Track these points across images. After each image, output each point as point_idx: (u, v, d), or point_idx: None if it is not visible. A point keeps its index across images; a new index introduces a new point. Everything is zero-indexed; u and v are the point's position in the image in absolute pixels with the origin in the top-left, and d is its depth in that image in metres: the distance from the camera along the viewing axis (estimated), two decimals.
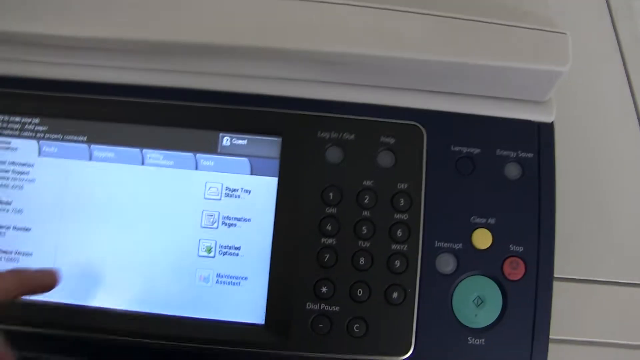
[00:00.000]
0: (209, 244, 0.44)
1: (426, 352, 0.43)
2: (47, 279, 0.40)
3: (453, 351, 0.43)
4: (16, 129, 0.46)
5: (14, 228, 0.45)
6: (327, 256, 0.43)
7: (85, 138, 0.46)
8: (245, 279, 0.44)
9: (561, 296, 0.45)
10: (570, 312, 0.46)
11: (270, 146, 0.45)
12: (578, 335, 0.46)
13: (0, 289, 0.36)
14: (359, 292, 0.43)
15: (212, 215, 0.44)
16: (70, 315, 0.44)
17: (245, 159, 0.45)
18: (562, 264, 0.46)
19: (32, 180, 0.45)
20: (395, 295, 0.43)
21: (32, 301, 0.44)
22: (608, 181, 0.49)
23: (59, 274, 0.41)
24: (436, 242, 0.44)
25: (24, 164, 0.45)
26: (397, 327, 0.43)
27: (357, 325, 0.43)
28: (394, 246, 0.44)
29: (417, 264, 0.44)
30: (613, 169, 0.50)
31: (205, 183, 0.45)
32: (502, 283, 0.44)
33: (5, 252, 0.45)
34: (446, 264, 0.44)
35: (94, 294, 0.44)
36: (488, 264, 0.44)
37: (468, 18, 0.42)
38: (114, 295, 0.44)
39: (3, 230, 0.45)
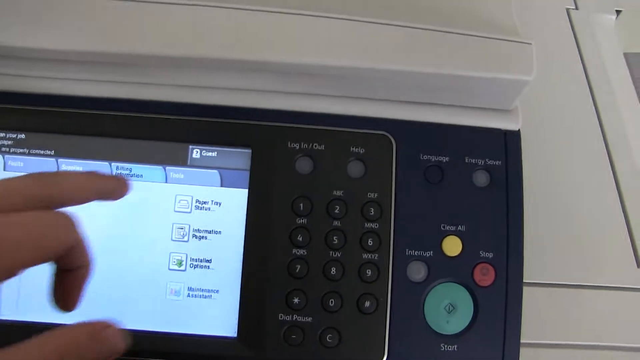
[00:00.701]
0: (179, 257, 0.44)
1: (399, 359, 0.43)
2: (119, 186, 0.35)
3: (426, 358, 0.44)
4: None
5: None
6: (299, 267, 0.43)
7: (52, 152, 0.45)
8: (217, 291, 0.44)
9: (531, 300, 0.46)
10: (540, 316, 0.47)
11: (240, 158, 0.45)
12: (548, 338, 0.47)
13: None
14: (331, 302, 0.43)
15: (182, 228, 0.44)
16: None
17: (215, 171, 0.45)
18: (531, 269, 0.46)
19: None
20: (367, 304, 0.43)
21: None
22: (573, 186, 0.50)
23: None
24: (407, 250, 0.44)
25: None
26: (370, 336, 0.44)
27: (330, 335, 0.43)
28: (365, 255, 0.44)
29: (388, 273, 0.44)
30: (577, 174, 0.51)
31: (175, 196, 0.45)
32: (472, 289, 0.44)
33: None
34: (417, 271, 0.44)
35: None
36: (459, 271, 0.44)
37: (435, 29, 0.43)
38: (82, 310, 0.43)
39: None
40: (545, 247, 0.48)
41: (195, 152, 0.45)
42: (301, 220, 0.44)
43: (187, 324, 0.44)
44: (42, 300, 0.43)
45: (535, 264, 0.47)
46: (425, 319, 0.44)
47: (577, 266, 0.49)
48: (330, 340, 0.43)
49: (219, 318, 0.44)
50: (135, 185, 0.43)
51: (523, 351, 0.45)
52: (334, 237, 0.44)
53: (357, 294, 0.44)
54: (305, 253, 0.44)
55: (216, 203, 0.45)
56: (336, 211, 0.44)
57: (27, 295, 0.44)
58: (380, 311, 0.44)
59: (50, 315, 0.43)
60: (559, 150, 0.51)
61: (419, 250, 0.45)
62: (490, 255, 0.45)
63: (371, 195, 0.45)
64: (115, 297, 0.44)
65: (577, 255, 0.49)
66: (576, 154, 0.51)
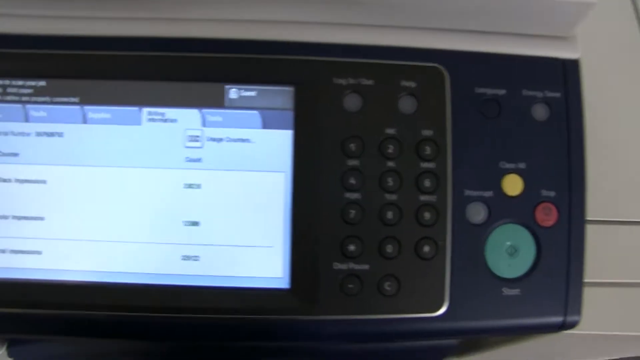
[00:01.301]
0: None
1: (460, 306, 0.41)
2: None
3: (488, 303, 0.41)
4: None
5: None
6: (353, 212, 0.40)
7: (77, 99, 0.41)
8: (265, 241, 0.41)
9: (593, 239, 0.43)
10: (602, 254, 0.44)
11: (282, 97, 0.41)
12: (611, 277, 0.44)
13: None
14: (389, 249, 0.40)
15: None
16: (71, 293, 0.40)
17: (255, 112, 0.41)
18: (593, 206, 0.44)
19: (17, 154, 0.41)
20: (426, 249, 0.41)
21: (29, 281, 0.40)
22: (636, 118, 0.47)
23: None
24: (465, 190, 0.41)
25: (6, 133, 0.41)
26: (430, 282, 0.41)
27: (389, 283, 0.40)
28: (422, 197, 0.41)
29: (447, 215, 0.41)
30: None
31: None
32: (534, 230, 0.42)
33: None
34: (477, 213, 0.41)
35: (91, 261, 0.41)
36: (520, 211, 0.42)
37: None
38: (124, 263, 0.40)
39: None
40: (607, 183, 0.45)
41: (233, 92, 0.42)
42: (353, 162, 0.41)
43: (233, 276, 0.41)
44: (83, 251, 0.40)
45: (597, 200, 0.44)
46: (486, 262, 0.42)
47: None
48: (388, 289, 0.41)
49: (268, 269, 0.41)
50: (169, 131, 0.39)
51: (586, 290, 0.42)
52: (389, 179, 0.41)
53: (416, 238, 0.41)
54: (359, 197, 0.40)
55: (259, 146, 0.41)
56: (389, 151, 0.41)
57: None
58: (439, 256, 0.41)
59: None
60: (620, 80, 0.47)
61: (478, 191, 0.42)
62: (552, 194, 0.42)
63: (426, 132, 0.41)
64: (150, 249, 0.40)
65: None
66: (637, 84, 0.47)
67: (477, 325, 0.42)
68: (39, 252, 0.41)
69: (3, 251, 0.41)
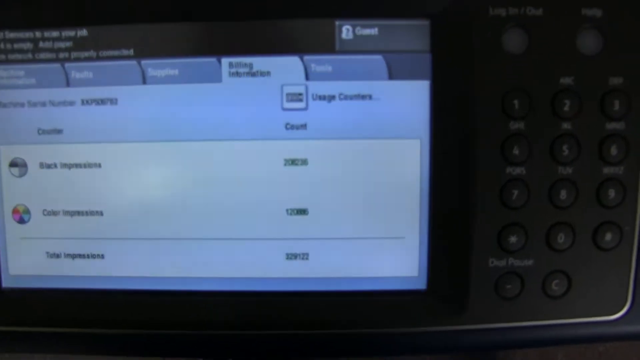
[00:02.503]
0: None
1: None
2: None
3: None
4: (27, 51, 0.30)
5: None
6: (515, 192, 0.30)
7: (131, 51, 0.30)
8: (396, 230, 0.31)
9: None
10: None
11: (414, 34, 0.30)
12: None
13: None
14: (560, 238, 0.30)
15: None
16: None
17: (378, 57, 0.30)
18: None
19: (60, 130, 0.30)
20: (608, 237, 0.30)
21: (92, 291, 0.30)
22: None
23: None
24: None
25: (44, 103, 0.30)
26: (609, 279, 0.31)
27: (557, 281, 0.31)
28: (605, 170, 0.30)
29: (637, 192, 0.30)
30: None
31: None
32: None
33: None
34: None
35: (168, 265, 0.31)
36: None
37: None
38: (196, 266, 0.31)
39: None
40: None
41: (347, 31, 0.30)
42: (517, 125, 0.30)
43: (352, 278, 0.31)
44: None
45: None
46: None
47: None
48: (556, 288, 0.31)
49: (399, 266, 0.31)
50: (259, 88, 0.28)
51: None
52: (563, 147, 0.30)
53: (595, 223, 0.31)
54: (524, 172, 0.30)
55: (384, 104, 0.30)
56: (565, 108, 0.29)
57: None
58: (624, 245, 0.31)
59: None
60: None
61: None
62: None
63: (615, 80, 0.30)
64: (253, 246, 0.31)
65: None
66: None
67: None
68: (100, 256, 0.31)
69: (57, 255, 0.31)
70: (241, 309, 0.31)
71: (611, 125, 0.30)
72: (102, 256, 0.31)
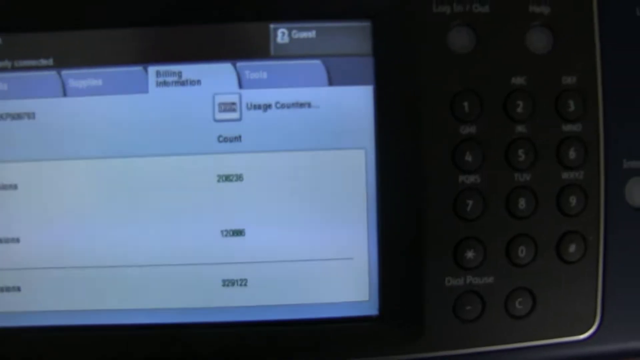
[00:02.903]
0: None
1: (616, 325, 0.29)
2: None
3: None
4: None
5: None
6: (471, 203, 0.27)
7: (51, 61, 0.27)
8: (342, 251, 0.28)
9: None
10: None
11: (355, 36, 0.28)
12: None
13: None
14: (521, 252, 0.28)
15: None
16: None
17: (317, 62, 0.28)
18: None
19: None
20: (572, 248, 0.28)
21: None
22: None
23: None
24: (624, 161, 0.28)
25: None
26: (576, 294, 0.28)
27: (520, 299, 0.28)
28: (565, 175, 0.28)
29: (599, 199, 0.28)
30: None
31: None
32: None
33: None
34: None
35: (89, 296, 0.27)
36: None
37: None
38: (120, 297, 0.28)
39: None
40: None
41: (282, 35, 0.28)
42: (467, 129, 0.27)
43: (296, 305, 0.28)
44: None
45: None
46: None
47: None
48: (520, 307, 0.28)
49: (348, 291, 0.28)
50: (189, 98, 0.26)
51: None
52: (519, 151, 0.27)
53: (557, 234, 0.28)
54: (478, 180, 0.27)
55: (324, 112, 0.27)
56: (518, 110, 0.27)
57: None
58: (589, 257, 0.28)
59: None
60: None
61: None
62: None
63: (568, 80, 0.28)
64: (184, 273, 0.27)
65: None
66: None
67: (634, 348, 0.30)
68: (16, 289, 0.28)
69: None
70: (173, 343, 0.28)
71: (567, 127, 0.28)
72: (19, 289, 0.28)
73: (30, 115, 0.28)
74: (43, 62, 0.28)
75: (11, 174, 0.28)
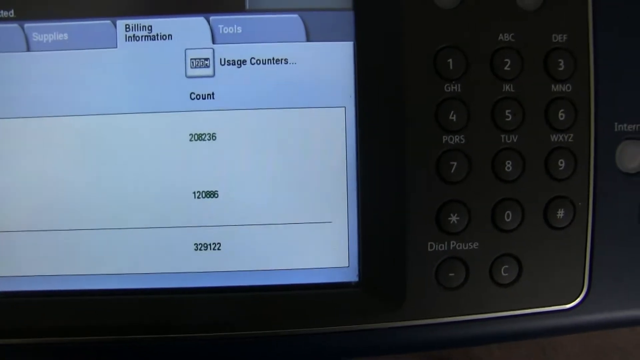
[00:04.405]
0: None
1: (604, 294, 0.28)
2: None
3: None
4: None
5: None
6: (455, 164, 0.26)
7: (12, 13, 0.26)
8: (320, 214, 0.26)
9: None
10: None
11: None
12: None
13: None
14: (507, 217, 0.26)
15: None
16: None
17: (294, 16, 0.26)
18: None
19: None
20: (560, 213, 0.27)
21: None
22: None
23: None
24: (616, 124, 0.27)
25: None
26: (563, 262, 0.27)
27: (506, 266, 0.27)
28: (553, 137, 0.27)
29: (589, 162, 0.27)
30: None
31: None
32: None
33: None
34: (632, 157, 0.27)
35: (57, 261, 0.26)
36: None
37: None
38: (84, 261, 0.26)
39: None
40: None
41: None
42: (451, 87, 0.26)
43: (272, 270, 0.27)
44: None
45: None
46: None
47: None
48: (505, 274, 0.27)
49: (326, 256, 0.27)
50: (159, 54, 0.25)
51: None
52: (505, 111, 0.26)
53: (545, 199, 0.27)
54: (462, 140, 0.26)
55: (302, 68, 0.26)
56: (506, 67, 0.26)
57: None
58: (578, 223, 0.27)
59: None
60: None
61: (634, 124, 0.27)
62: None
63: (557, 38, 0.27)
64: (154, 236, 0.26)
65: None
66: None
67: (621, 317, 0.29)
68: None
69: None
70: (141, 309, 0.27)
71: (557, 87, 0.27)
72: None
73: None
74: (4, 13, 0.26)
75: None
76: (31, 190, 0.26)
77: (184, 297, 0.27)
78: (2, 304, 0.26)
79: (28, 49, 0.27)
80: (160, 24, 0.26)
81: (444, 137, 0.26)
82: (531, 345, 0.37)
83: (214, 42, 0.26)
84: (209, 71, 0.26)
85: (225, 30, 0.26)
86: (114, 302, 0.27)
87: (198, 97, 0.26)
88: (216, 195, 0.26)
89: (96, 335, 0.26)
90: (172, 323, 0.26)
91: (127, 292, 0.27)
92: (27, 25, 0.27)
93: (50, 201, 0.26)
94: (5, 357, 0.26)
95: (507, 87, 0.27)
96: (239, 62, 0.26)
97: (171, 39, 0.26)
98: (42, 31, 0.27)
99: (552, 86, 0.27)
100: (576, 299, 0.28)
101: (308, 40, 0.27)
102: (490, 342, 0.30)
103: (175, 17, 0.26)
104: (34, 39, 0.27)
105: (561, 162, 0.27)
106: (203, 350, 0.27)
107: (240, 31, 0.26)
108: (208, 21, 0.26)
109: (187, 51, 0.26)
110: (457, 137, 0.26)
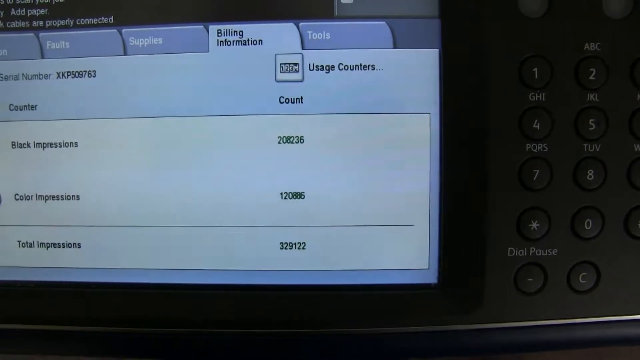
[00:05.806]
0: None
1: None
2: None
3: None
4: None
5: None
6: (537, 172, 0.26)
7: (111, 19, 0.27)
8: (401, 218, 0.27)
9: None
10: None
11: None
12: None
13: None
14: (587, 225, 0.27)
15: None
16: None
17: (382, 23, 0.27)
18: None
19: (34, 106, 0.27)
20: None
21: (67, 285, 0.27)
22: None
23: None
24: None
25: (17, 77, 0.27)
26: None
27: (584, 274, 0.27)
28: (637, 146, 0.27)
29: None
30: None
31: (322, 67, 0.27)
32: None
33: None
34: None
35: (150, 254, 0.27)
36: None
37: None
38: (179, 257, 0.27)
39: None
40: None
41: None
42: (536, 96, 0.26)
43: (355, 270, 0.27)
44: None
45: None
46: None
47: None
48: (583, 282, 0.27)
49: (408, 258, 0.27)
50: (250, 57, 0.25)
51: None
52: (589, 121, 0.26)
53: (626, 207, 0.27)
54: (546, 149, 0.26)
55: (389, 75, 0.27)
56: (591, 77, 0.26)
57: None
58: None
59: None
60: None
61: None
62: None
63: None
64: (242, 234, 0.27)
65: None
66: None
67: None
68: (77, 245, 0.28)
69: (30, 245, 0.28)
70: (229, 304, 0.28)
71: None
72: (79, 245, 0.28)
73: (91, 74, 0.28)
74: (104, 20, 0.28)
75: (72, 131, 0.28)
76: (127, 188, 0.28)
77: (268, 293, 0.28)
78: (103, 294, 0.28)
79: (125, 53, 0.28)
80: (251, 29, 0.27)
81: (527, 145, 0.27)
82: (587, 351, 0.37)
83: (303, 48, 0.27)
84: (298, 76, 0.27)
85: (314, 36, 0.27)
86: (201, 297, 0.28)
87: (287, 101, 0.27)
88: (302, 197, 0.27)
89: (186, 328, 0.27)
90: (258, 318, 0.27)
91: (213, 287, 0.28)
92: (124, 30, 0.28)
93: (148, 199, 0.28)
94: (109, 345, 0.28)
95: (592, 97, 0.27)
96: (327, 68, 0.27)
97: (261, 44, 0.27)
98: (139, 36, 0.28)
99: (638, 95, 0.27)
100: None
101: (395, 47, 0.27)
102: (565, 348, 0.30)
103: (266, 22, 0.27)
104: (131, 44, 0.28)
105: None
106: (281, 345, 0.28)
107: (329, 37, 0.27)
108: (298, 27, 0.27)
109: (277, 56, 0.27)
110: (540, 146, 0.27)
